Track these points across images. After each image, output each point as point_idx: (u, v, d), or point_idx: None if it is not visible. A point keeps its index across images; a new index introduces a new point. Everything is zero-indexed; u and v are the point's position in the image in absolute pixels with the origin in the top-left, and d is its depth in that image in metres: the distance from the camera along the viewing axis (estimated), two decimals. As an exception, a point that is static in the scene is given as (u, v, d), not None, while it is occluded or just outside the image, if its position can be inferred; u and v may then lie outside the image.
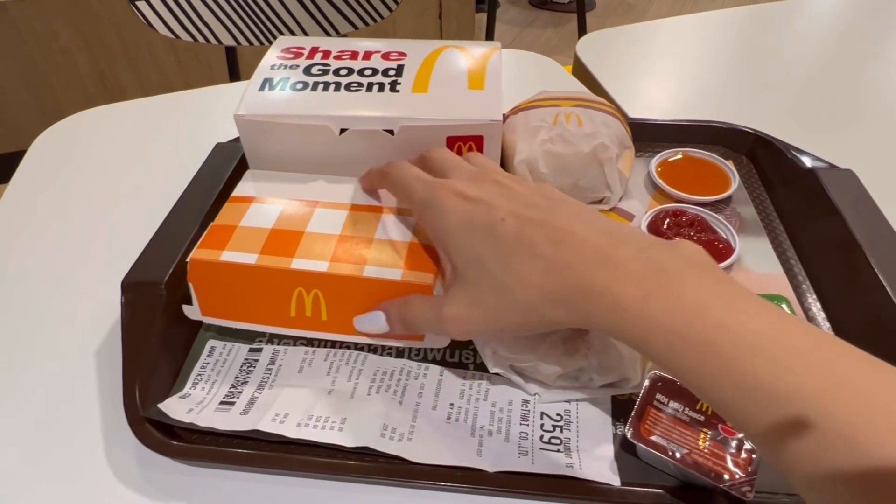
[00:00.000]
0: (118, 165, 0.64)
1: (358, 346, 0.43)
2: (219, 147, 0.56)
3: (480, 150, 0.47)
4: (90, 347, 0.45)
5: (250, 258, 0.38)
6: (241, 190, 0.44)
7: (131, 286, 0.43)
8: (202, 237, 0.39)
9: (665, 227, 0.51)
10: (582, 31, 1.52)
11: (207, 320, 0.40)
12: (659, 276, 0.27)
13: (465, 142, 0.46)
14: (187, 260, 0.38)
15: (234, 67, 1.26)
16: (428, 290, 0.36)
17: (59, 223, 0.57)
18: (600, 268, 0.28)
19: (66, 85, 1.98)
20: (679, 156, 0.59)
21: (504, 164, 0.52)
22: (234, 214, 0.41)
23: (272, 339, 0.44)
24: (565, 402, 0.40)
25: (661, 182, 0.56)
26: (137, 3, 1.10)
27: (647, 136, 0.62)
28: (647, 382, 0.38)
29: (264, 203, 0.42)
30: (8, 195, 0.59)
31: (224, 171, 0.53)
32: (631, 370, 0.37)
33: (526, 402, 0.40)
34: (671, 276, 0.27)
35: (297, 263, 0.37)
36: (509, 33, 2.84)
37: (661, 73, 0.80)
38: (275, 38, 1.21)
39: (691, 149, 0.60)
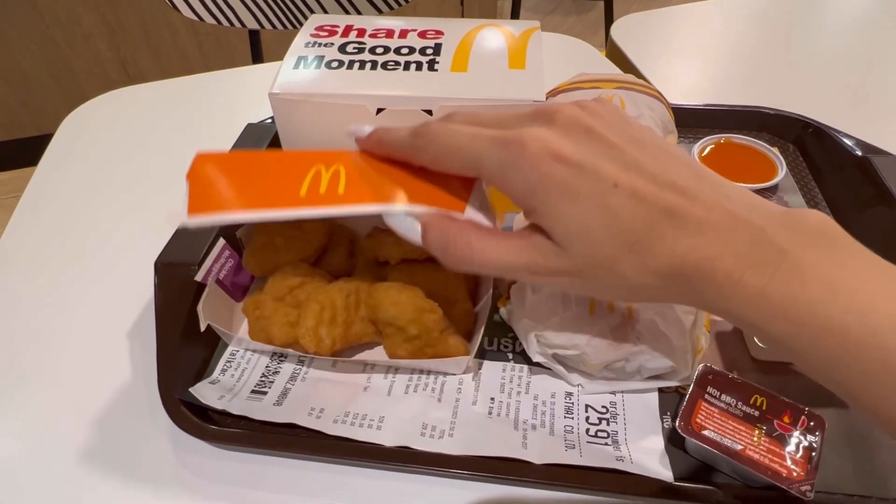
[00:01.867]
0: (146, 147, 0.63)
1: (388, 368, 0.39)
2: (250, 127, 0.55)
3: (521, 131, 0.45)
4: (123, 328, 0.45)
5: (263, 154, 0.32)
6: None
7: (164, 266, 0.42)
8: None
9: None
10: (609, 16, 1.48)
11: (195, 220, 0.30)
12: (782, 261, 0.24)
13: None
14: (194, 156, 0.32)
15: (258, 52, 1.25)
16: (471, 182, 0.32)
17: (89, 205, 0.56)
18: (721, 252, 0.25)
19: (88, 71, 1.98)
20: (722, 142, 0.57)
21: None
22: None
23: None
24: (610, 393, 0.38)
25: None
26: (162, -16, 1.09)
27: (689, 121, 0.59)
28: (696, 374, 0.36)
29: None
30: (36, 178, 0.59)
31: (259, 148, 0.52)
32: (681, 361, 0.35)
33: (569, 394, 0.38)
34: (796, 258, 0.24)
35: (320, 155, 0.32)
36: (531, 20, 2.79)
37: (698, 56, 0.77)
38: (299, 22, 1.20)
39: (735, 135, 0.58)
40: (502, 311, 0.43)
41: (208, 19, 1.14)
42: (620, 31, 0.81)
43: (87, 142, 0.64)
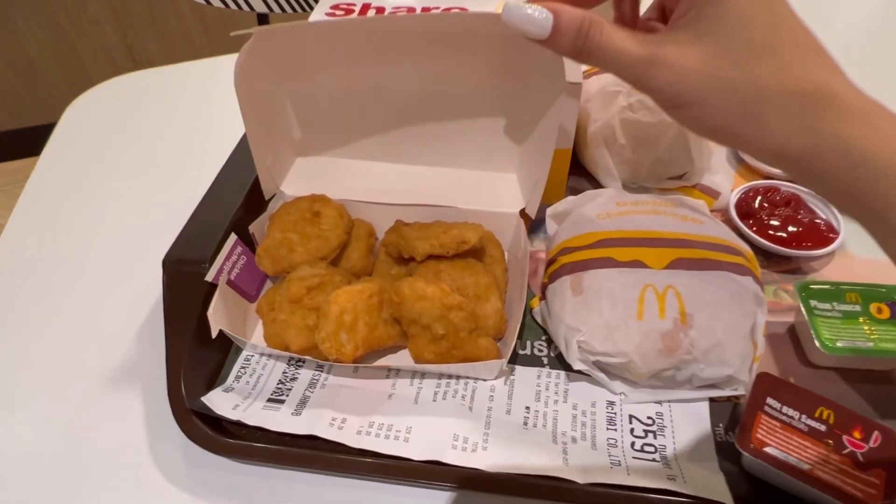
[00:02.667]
0: (152, 135, 0.60)
1: (413, 374, 0.37)
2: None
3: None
4: (130, 330, 0.42)
5: None
6: None
7: (173, 264, 0.39)
8: None
9: (757, 206, 0.45)
10: None
11: None
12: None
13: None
14: None
15: (266, 35, 1.21)
16: None
17: (94, 197, 0.53)
18: (848, 85, 0.22)
19: (95, 56, 1.95)
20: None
21: (577, 133, 0.46)
22: None
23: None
24: (656, 402, 0.35)
25: (746, 155, 0.50)
26: (168, -34, 1.06)
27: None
28: (753, 382, 0.33)
29: None
30: (39, 169, 0.56)
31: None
32: (740, 369, 0.32)
33: (611, 403, 0.35)
34: None
35: None
36: None
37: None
38: (309, 4, 1.16)
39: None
40: (536, 311, 0.39)
41: (215, 2, 1.10)
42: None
43: (91, 130, 0.61)
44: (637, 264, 0.33)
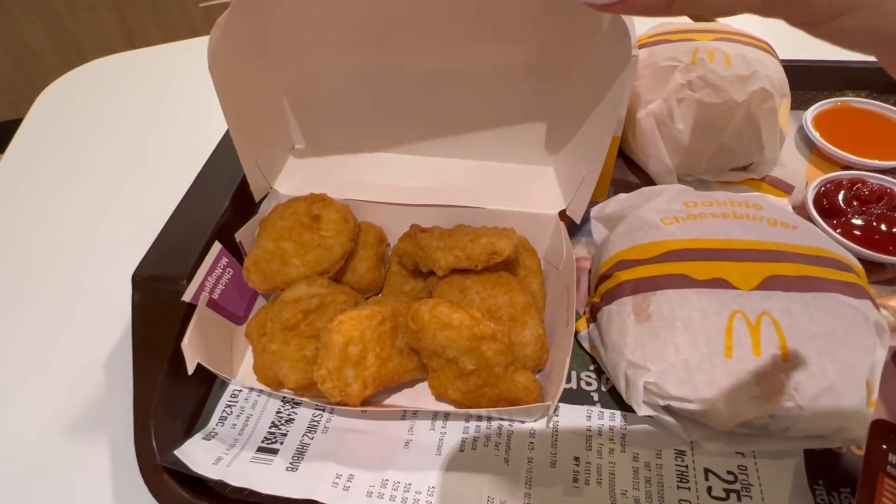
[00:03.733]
0: (130, 124, 0.53)
1: (435, 415, 0.30)
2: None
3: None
4: (97, 358, 0.36)
5: None
6: None
7: (144, 282, 0.33)
8: None
9: (842, 201, 0.38)
10: None
11: None
12: None
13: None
14: None
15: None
16: None
17: (58, 198, 0.47)
18: None
19: (93, 43, 1.89)
20: (839, 106, 0.46)
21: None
22: None
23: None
24: (738, 454, 0.28)
25: (821, 141, 0.43)
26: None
27: (792, 81, 0.48)
28: (867, 432, 0.26)
29: None
30: (4, 165, 0.50)
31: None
32: (854, 421, 0.25)
33: (681, 453, 0.28)
34: None
35: None
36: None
37: None
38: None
39: (854, 98, 0.46)
40: (582, 334, 0.33)
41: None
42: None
43: (60, 122, 0.55)
44: (720, 283, 0.26)
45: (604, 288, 0.30)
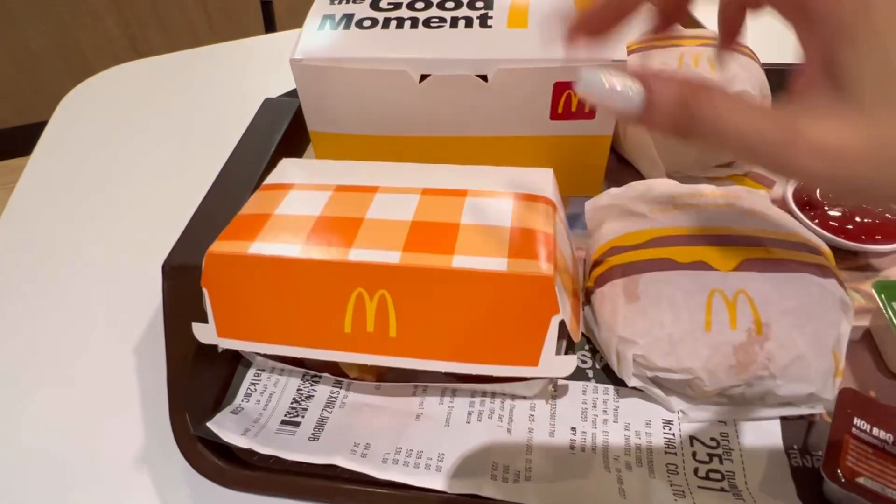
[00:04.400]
0: (152, 129, 0.56)
1: (442, 380, 0.32)
2: (268, 103, 0.48)
3: (595, 100, 0.37)
4: (129, 341, 0.38)
5: (291, 250, 0.28)
6: (274, 178, 0.35)
7: (174, 271, 0.35)
8: (223, 231, 0.31)
9: (819, 195, 0.41)
10: None
11: (225, 343, 0.30)
12: None
13: (577, 89, 0.37)
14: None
15: (271, 25, 1.17)
16: (549, 285, 0.27)
17: (90, 196, 0.50)
18: None
19: (98, 49, 1.92)
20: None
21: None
22: (267, 203, 0.32)
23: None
24: (720, 422, 0.31)
25: (801, 140, 0.45)
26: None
27: (775, 84, 0.51)
28: (835, 400, 0.29)
29: (306, 190, 0.33)
30: (32, 165, 0.53)
31: (276, 131, 0.44)
32: (822, 386, 0.28)
33: (668, 422, 0.31)
34: None
35: (357, 255, 0.28)
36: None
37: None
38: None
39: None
40: (577, 317, 0.35)
41: (217, -12, 1.06)
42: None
43: (86, 125, 0.57)
44: (701, 266, 0.29)
45: (597, 272, 0.32)
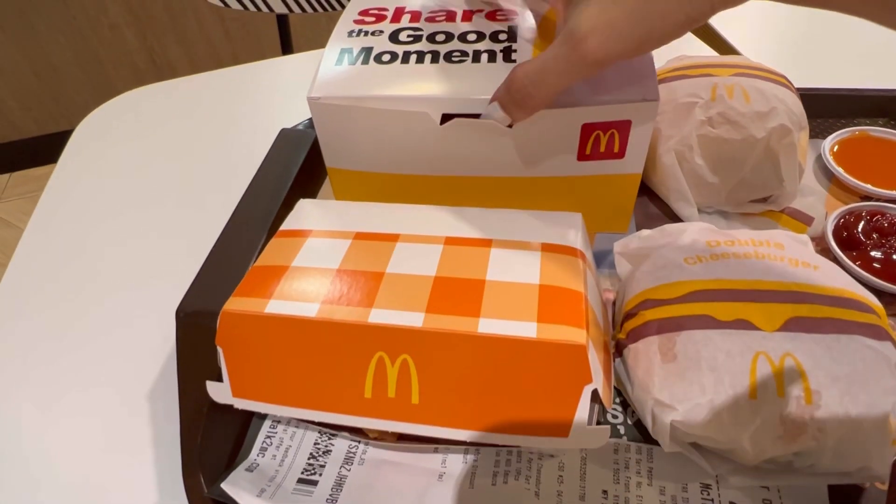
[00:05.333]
0: (167, 158, 0.55)
1: (467, 447, 0.31)
2: (284, 134, 0.47)
3: (625, 139, 0.35)
4: (143, 384, 0.37)
5: (308, 309, 0.27)
6: (291, 222, 0.34)
7: (188, 317, 0.34)
8: (238, 285, 0.30)
9: (860, 233, 0.39)
10: None
11: (241, 404, 0.29)
12: None
13: (606, 130, 0.35)
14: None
15: (286, 37, 1.16)
16: (582, 354, 0.25)
17: (101, 230, 0.49)
18: None
19: (116, 61, 1.94)
20: (857, 135, 0.46)
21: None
22: (284, 252, 0.31)
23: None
24: (762, 487, 0.29)
25: (840, 171, 0.43)
26: (184, -32, 1.02)
27: (809, 110, 0.49)
28: (890, 471, 0.27)
29: (324, 238, 0.32)
30: (48, 192, 0.52)
31: (292, 164, 0.43)
32: (877, 460, 0.26)
33: (706, 486, 0.29)
34: None
35: (378, 316, 0.26)
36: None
37: (800, 22, 0.65)
38: (330, 5, 1.11)
39: (873, 127, 0.47)
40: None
41: (234, 5, 1.06)
42: None
43: (102, 150, 0.57)
44: (743, 325, 0.27)
45: (629, 325, 0.31)
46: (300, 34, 1.83)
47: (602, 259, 0.40)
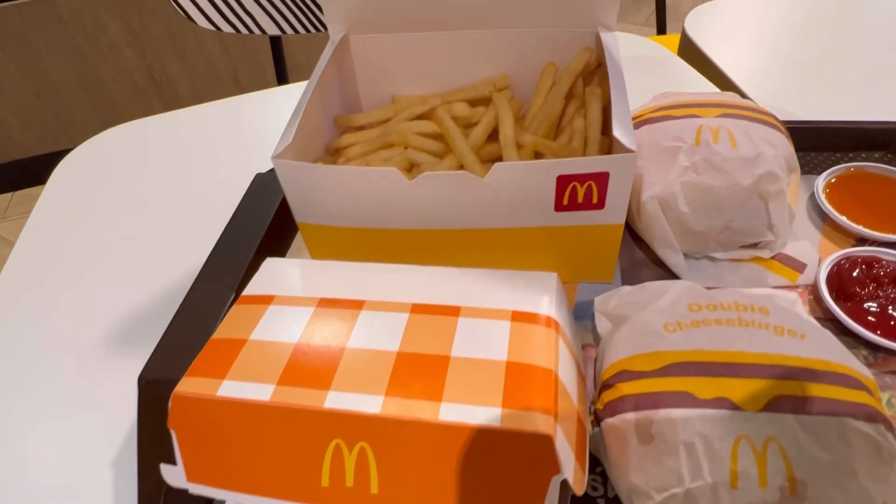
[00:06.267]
0: (143, 197, 0.54)
1: None
2: (259, 179, 0.46)
3: (603, 190, 0.34)
4: (104, 457, 0.36)
5: (263, 392, 0.26)
6: (255, 286, 0.33)
7: (150, 385, 0.33)
8: (195, 360, 0.28)
9: (856, 282, 0.37)
10: (661, 16, 1.22)
11: (196, 489, 0.28)
12: None
13: (583, 181, 0.34)
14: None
15: (279, 55, 1.16)
16: (548, 444, 0.23)
17: (84, 269, 0.48)
18: None
19: (116, 78, 1.95)
20: (852, 172, 0.45)
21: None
22: (244, 322, 0.30)
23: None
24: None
25: (833, 212, 0.41)
26: (175, -6, 1.02)
27: (803, 143, 0.47)
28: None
29: (286, 305, 0.31)
30: (17, 251, 0.50)
31: (265, 216, 0.42)
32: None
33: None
34: None
35: (335, 400, 0.25)
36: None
37: (796, 51, 0.64)
38: (322, 24, 1.10)
39: (869, 163, 0.45)
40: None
41: (226, 28, 1.05)
42: (694, 23, 0.68)
43: (78, 196, 0.56)
44: (724, 403, 0.26)
45: (606, 397, 0.29)
46: (293, 49, 1.83)
47: (585, 310, 0.39)
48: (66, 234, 0.51)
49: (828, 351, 0.27)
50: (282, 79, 1.17)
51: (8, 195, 2.10)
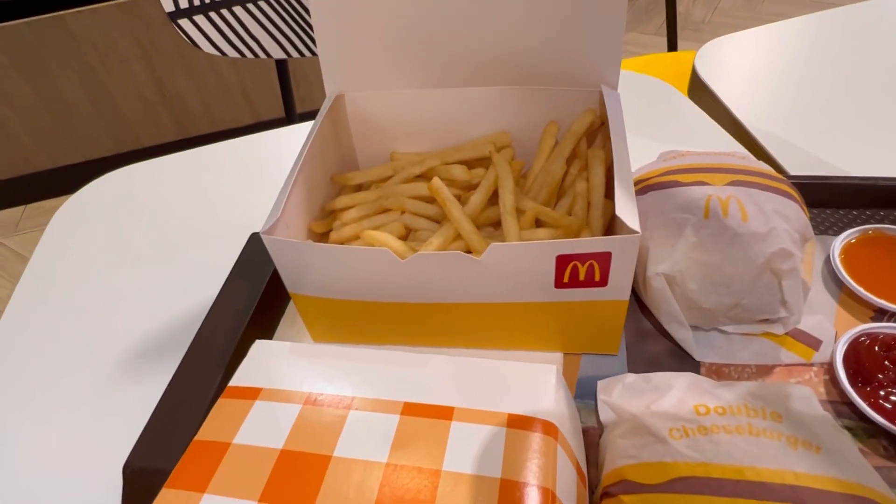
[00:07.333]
0: (142, 248, 0.53)
1: None
2: (254, 241, 0.44)
3: (606, 269, 0.32)
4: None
5: None
6: (243, 376, 0.32)
7: (134, 474, 0.32)
8: (176, 466, 0.27)
9: (873, 363, 0.35)
10: (672, 25, 1.18)
11: None
12: None
13: (584, 261, 0.32)
14: None
15: (285, 77, 1.16)
16: None
17: (76, 318, 0.47)
18: None
19: (126, 93, 1.96)
20: (870, 234, 0.43)
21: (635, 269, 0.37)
22: (228, 422, 0.29)
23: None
24: None
25: (851, 282, 0.39)
26: (180, 21, 1.02)
27: (816, 200, 0.45)
28: None
29: (273, 401, 0.29)
30: (13, 305, 0.50)
31: (259, 283, 0.41)
32: None
33: None
34: None
35: None
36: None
37: (807, 92, 0.61)
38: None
39: (887, 226, 0.43)
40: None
41: (231, 53, 1.05)
42: (705, 60, 0.66)
43: (73, 251, 0.55)
44: (733, 530, 0.24)
45: (608, 506, 0.27)
46: (298, 70, 1.84)
47: (588, 386, 0.37)
48: (69, 278, 0.50)
49: (845, 467, 0.26)
50: (287, 96, 1.17)
51: (19, 209, 2.12)
